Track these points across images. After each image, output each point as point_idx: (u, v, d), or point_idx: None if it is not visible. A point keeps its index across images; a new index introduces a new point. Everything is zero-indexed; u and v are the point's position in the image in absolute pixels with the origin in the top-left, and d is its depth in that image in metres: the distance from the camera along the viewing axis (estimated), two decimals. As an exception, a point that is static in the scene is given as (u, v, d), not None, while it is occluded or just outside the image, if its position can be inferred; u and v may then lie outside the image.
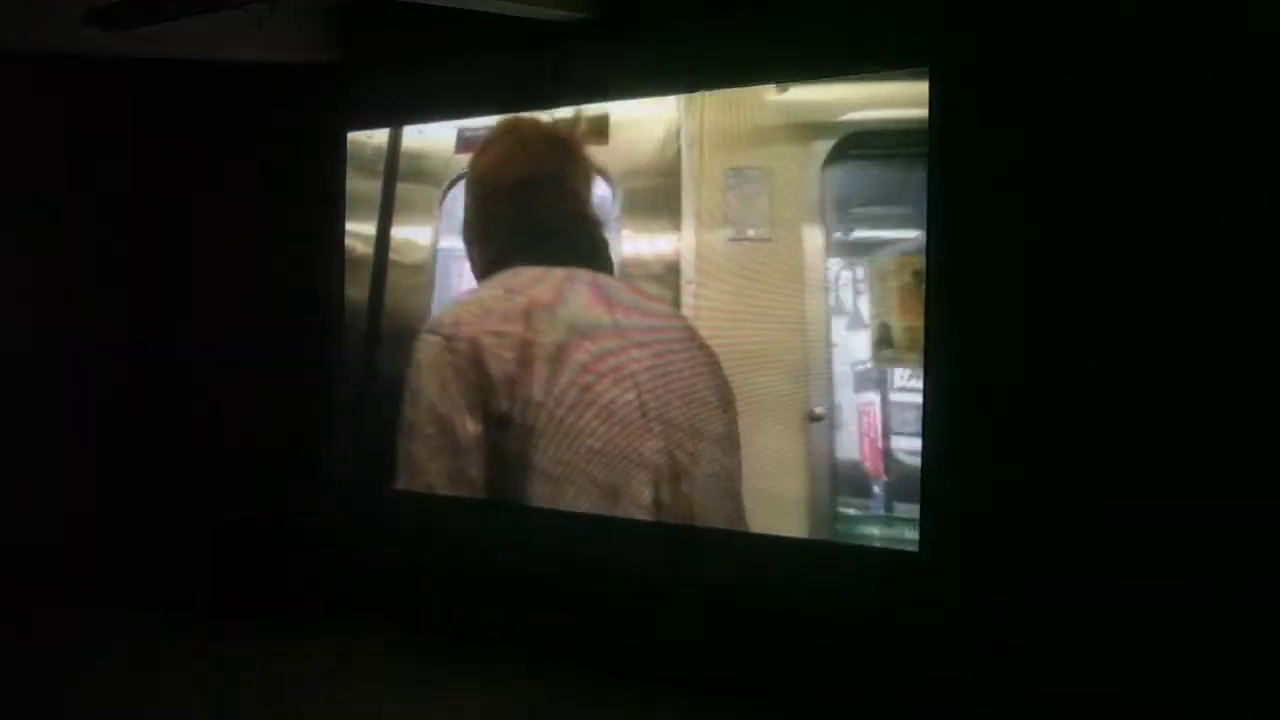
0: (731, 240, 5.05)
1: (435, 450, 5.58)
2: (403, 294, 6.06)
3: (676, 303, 5.21)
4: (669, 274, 5.19)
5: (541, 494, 5.42)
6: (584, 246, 5.44)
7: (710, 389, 5.07)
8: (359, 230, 6.31)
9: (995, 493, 4.42)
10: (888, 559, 4.69)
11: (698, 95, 5.17)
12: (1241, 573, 3.94)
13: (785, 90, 4.93)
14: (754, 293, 5.00)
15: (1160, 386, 4.10)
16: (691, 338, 5.17)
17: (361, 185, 6.32)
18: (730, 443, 5.02)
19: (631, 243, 5.37)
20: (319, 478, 6.57)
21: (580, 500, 5.34)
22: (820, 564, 4.83)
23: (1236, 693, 3.95)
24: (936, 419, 4.53)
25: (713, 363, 5.10)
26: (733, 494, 5.04)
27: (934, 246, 4.54)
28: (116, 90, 7.32)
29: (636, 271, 5.33)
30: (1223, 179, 3.98)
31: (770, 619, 4.94)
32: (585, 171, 5.50)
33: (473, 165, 5.87)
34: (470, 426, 5.45)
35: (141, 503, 7.38)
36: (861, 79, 4.77)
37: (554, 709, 5.04)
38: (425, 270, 6.00)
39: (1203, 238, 4.01)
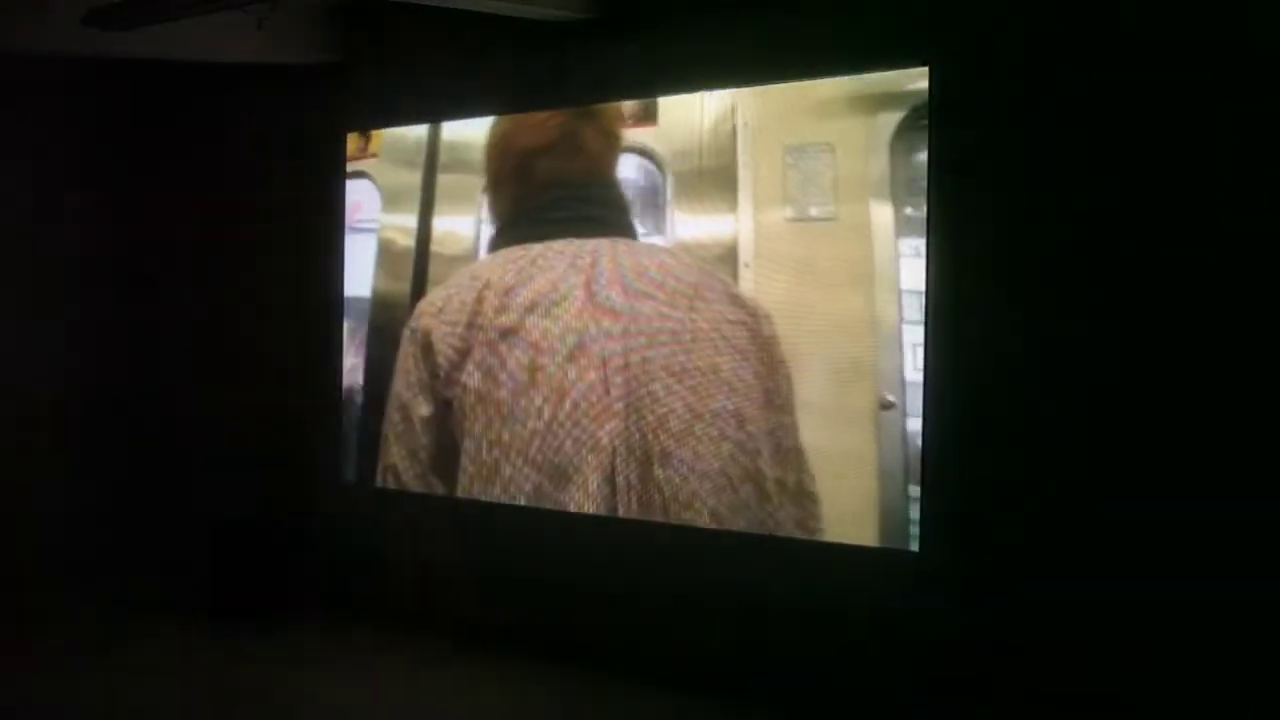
0: (791, 220, 4.82)
1: (399, 434, 5.68)
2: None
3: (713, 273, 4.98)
4: (726, 258, 4.95)
5: (473, 475, 5.40)
6: (596, 210, 5.23)
7: (731, 355, 4.81)
8: (400, 223, 6.09)
9: (995, 493, 4.42)
10: (888, 559, 4.68)
11: None
12: (1242, 572, 3.93)
13: None
14: (816, 274, 4.72)
15: (1160, 386, 4.09)
16: (723, 299, 4.89)
17: (402, 178, 6.10)
18: (751, 414, 4.74)
19: (685, 226, 5.12)
20: (319, 478, 6.56)
21: (519, 481, 5.27)
22: (820, 564, 4.83)
23: (1237, 693, 3.95)
24: (936, 418, 4.52)
25: (748, 324, 4.82)
26: (752, 473, 4.79)
27: (934, 245, 4.53)
28: (116, 90, 7.32)
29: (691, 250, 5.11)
30: (1223, 178, 3.97)
31: (770, 619, 4.93)
32: (605, 131, 5.32)
33: (491, 131, 5.70)
34: (423, 410, 5.53)
35: (141, 503, 7.39)
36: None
37: (554, 709, 5.04)
38: (467, 262, 5.78)
39: (1203, 236, 4.01)
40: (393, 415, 5.65)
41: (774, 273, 4.86)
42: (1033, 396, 4.36)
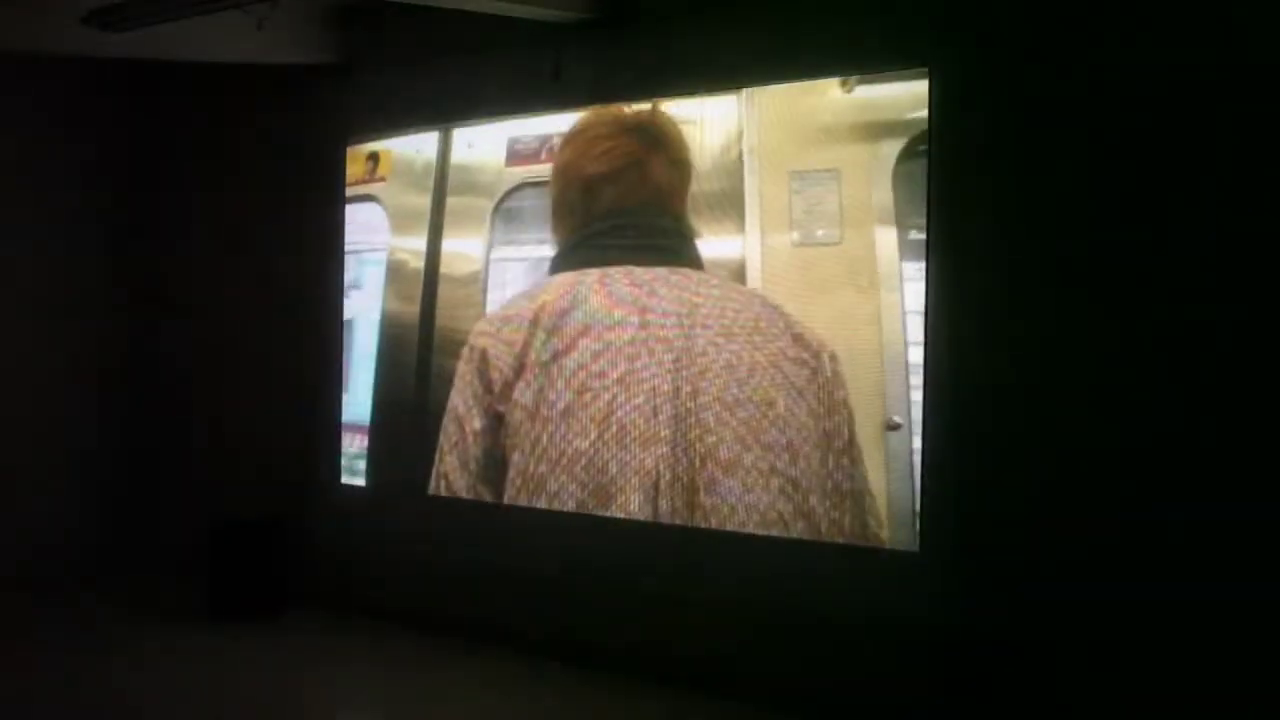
0: (798, 245, 4.90)
1: (453, 445, 5.82)
2: (452, 307, 5.94)
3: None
4: (733, 280, 5.05)
5: (520, 487, 5.55)
6: (659, 240, 5.24)
7: (788, 391, 4.83)
8: (409, 245, 6.19)
9: (995, 493, 4.42)
10: (888, 559, 4.68)
11: (760, 97, 5.01)
12: (1243, 572, 3.93)
13: (851, 90, 4.79)
14: (823, 297, 4.81)
15: (1161, 386, 4.09)
16: (784, 336, 4.91)
17: (411, 200, 6.19)
18: (805, 453, 4.79)
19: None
20: (318, 478, 6.56)
21: (563, 497, 5.39)
22: (820, 564, 4.82)
23: (1237, 692, 3.95)
24: (936, 419, 4.53)
25: (809, 363, 4.84)
26: (804, 511, 4.82)
27: (934, 246, 4.54)
28: (116, 90, 7.33)
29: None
30: (1224, 178, 3.98)
31: (770, 619, 4.93)
32: (673, 160, 5.27)
33: (555, 159, 5.67)
34: (476, 424, 5.68)
35: (141, 503, 7.39)
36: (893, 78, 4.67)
37: (554, 709, 5.04)
38: (476, 283, 5.85)
39: (1204, 237, 4.01)
40: (448, 427, 5.78)
41: (781, 298, 4.94)
42: (1032, 396, 4.36)
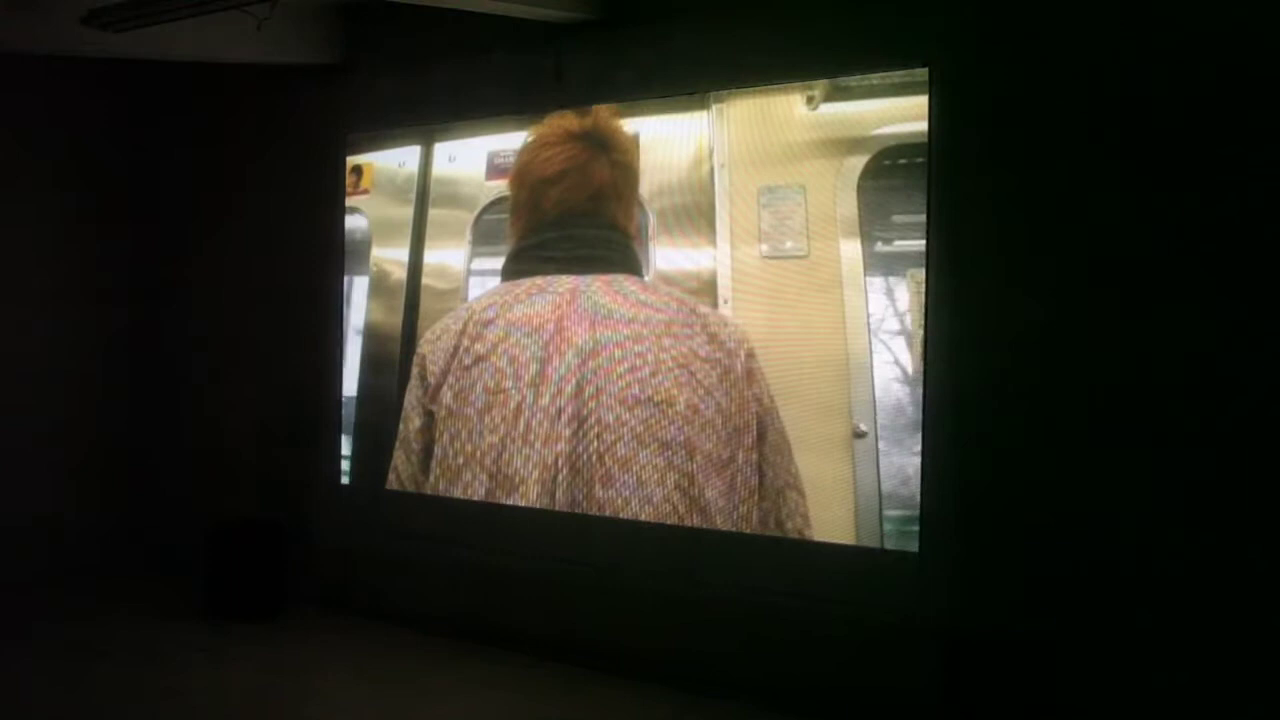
0: (767, 257, 5.04)
1: (401, 440, 6.26)
2: (434, 317, 6.14)
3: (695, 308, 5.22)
4: (705, 291, 5.19)
5: (439, 475, 6.03)
6: (597, 250, 5.48)
7: (693, 389, 5.09)
8: (391, 256, 6.36)
9: (995, 493, 4.42)
10: (888, 559, 4.68)
11: (728, 114, 5.15)
12: (1243, 572, 3.94)
13: (816, 107, 4.92)
14: (791, 308, 4.95)
15: (1160, 386, 4.10)
16: (699, 335, 5.13)
17: (393, 212, 6.36)
18: (706, 449, 5.06)
19: (667, 262, 5.36)
20: (316, 478, 6.56)
21: (474, 486, 5.86)
22: (820, 564, 4.83)
23: (1237, 692, 3.95)
24: (936, 418, 4.53)
25: (721, 361, 5.07)
26: (700, 505, 5.12)
27: (933, 247, 4.54)
28: (116, 90, 7.33)
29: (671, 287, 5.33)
30: (1225, 178, 3.98)
31: (770, 619, 4.93)
32: (616, 162, 5.45)
33: (513, 165, 5.87)
34: (416, 422, 6.15)
35: (141, 503, 7.39)
36: (892, 94, 4.72)
37: (553, 709, 5.04)
38: (458, 295, 6.08)
39: (1205, 236, 4.01)
40: (400, 425, 6.20)
41: (751, 308, 5.08)
42: (1033, 397, 4.36)
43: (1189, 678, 4.03)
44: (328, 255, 6.56)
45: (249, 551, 6.29)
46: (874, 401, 4.70)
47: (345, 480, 6.50)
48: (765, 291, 5.06)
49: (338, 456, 6.51)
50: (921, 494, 4.57)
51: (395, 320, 6.30)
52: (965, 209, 4.48)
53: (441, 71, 6.05)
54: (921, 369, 4.58)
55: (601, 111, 5.50)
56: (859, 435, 4.75)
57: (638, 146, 5.42)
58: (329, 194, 6.54)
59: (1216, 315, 3.99)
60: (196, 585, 6.39)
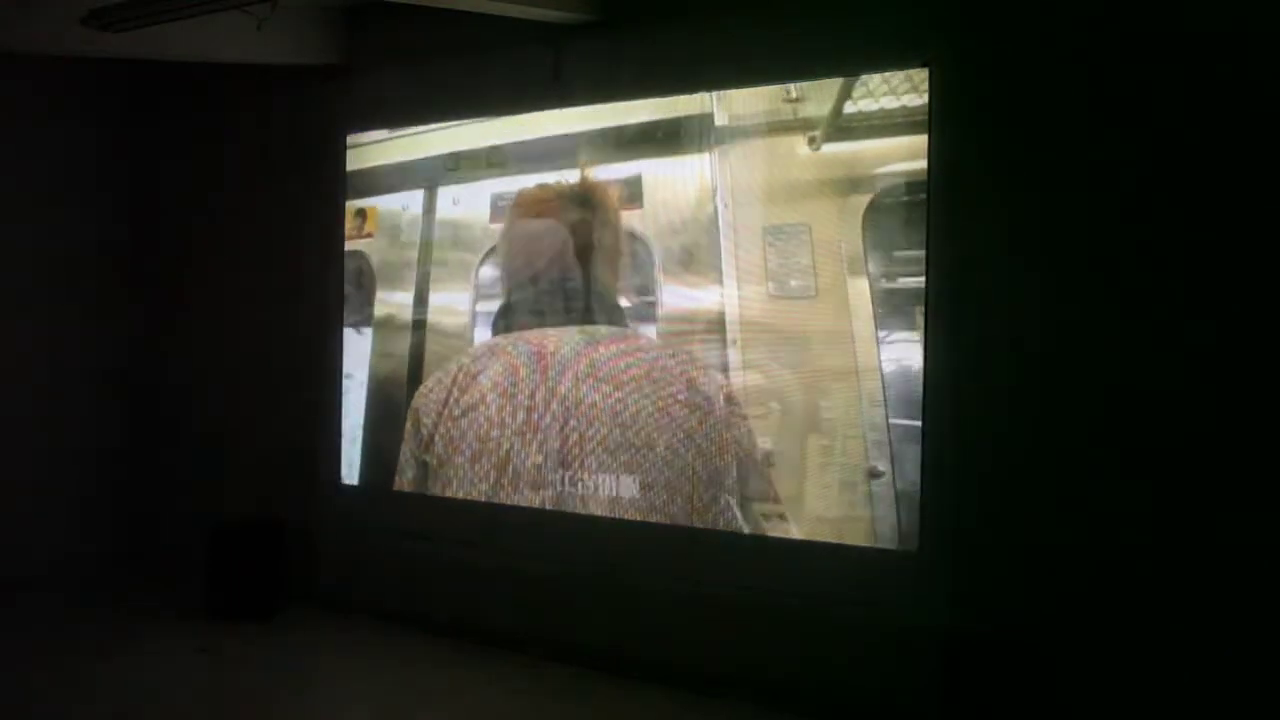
0: (774, 296, 5.05)
1: (402, 466, 6.36)
2: (439, 360, 6.20)
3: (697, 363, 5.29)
4: (713, 331, 5.20)
5: (436, 484, 6.19)
6: (579, 303, 5.66)
7: (672, 434, 5.25)
8: (396, 299, 6.40)
9: (994, 493, 4.42)
10: (888, 559, 4.68)
11: (731, 155, 5.16)
12: (1244, 572, 3.94)
13: (818, 148, 4.92)
14: (800, 347, 4.96)
15: (1159, 387, 4.10)
16: (679, 383, 5.26)
17: (396, 255, 6.40)
18: (686, 492, 5.22)
19: (674, 303, 5.38)
20: (317, 478, 6.56)
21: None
22: (820, 564, 4.83)
23: (1237, 692, 3.95)
24: (936, 419, 4.53)
25: (701, 407, 5.18)
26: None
27: (934, 251, 4.54)
28: (116, 90, 7.33)
29: (679, 329, 5.36)
30: (1229, 180, 3.98)
31: (770, 619, 4.94)
32: (603, 221, 5.58)
33: (504, 223, 6.02)
34: (409, 474, 6.29)
35: (141, 504, 7.39)
36: (897, 133, 4.72)
37: (554, 708, 5.04)
38: (463, 335, 6.17)
39: (1207, 239, 4.01)
40: (395, 477, 6.33)
41: (759, 348, 5.12)
42: (1033, 397, 4.36)
43: (1189, 677, 4.03)
44: (328, 254, 6.56)
45: (249, 551, 6.29)
46: (890, 442, 4.67)
47: (345, 480, 6.50)
48: (773, 331, 5.05)
49: (338, 457, 6.51)
50: (921, 492, 4.57)
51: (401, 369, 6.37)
52: (966, 209, 4.48)
53: (441, 71, 6.05)
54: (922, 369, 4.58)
55: (586, 172, 5.61)
56: (875, 476, 4.73)
57: (619, 207, 5.53)
58: (329, 194, 6.54)
59: (1220, 315, 3.99)
60: (197, 585, 6.39)
